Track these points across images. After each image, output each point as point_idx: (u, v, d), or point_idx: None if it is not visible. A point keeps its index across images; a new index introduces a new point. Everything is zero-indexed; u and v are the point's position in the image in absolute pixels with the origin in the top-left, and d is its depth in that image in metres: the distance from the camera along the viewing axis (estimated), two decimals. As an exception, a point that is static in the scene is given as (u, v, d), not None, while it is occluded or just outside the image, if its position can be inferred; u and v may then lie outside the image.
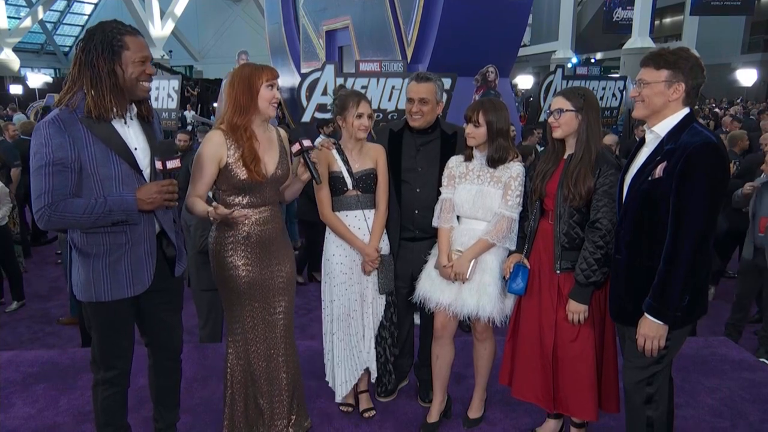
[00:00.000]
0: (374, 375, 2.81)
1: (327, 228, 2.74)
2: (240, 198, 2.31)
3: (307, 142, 2.30)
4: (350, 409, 2.87)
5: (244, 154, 2.23)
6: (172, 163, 2.05)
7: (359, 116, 2.59)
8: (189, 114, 14.97)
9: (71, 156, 1.93)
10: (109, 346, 2.18)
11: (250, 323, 2.39)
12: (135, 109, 2.12)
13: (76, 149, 1.93)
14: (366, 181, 2.66)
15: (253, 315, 2.39)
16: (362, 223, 2.68)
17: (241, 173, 2.25)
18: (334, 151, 2.65)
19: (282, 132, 2.48)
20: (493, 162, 2.52)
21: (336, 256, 2.71)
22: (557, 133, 2.35)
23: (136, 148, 2.09)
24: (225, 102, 2.31)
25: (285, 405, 2.49)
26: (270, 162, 2.33)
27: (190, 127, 14.40)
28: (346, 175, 2.64)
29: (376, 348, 2.77)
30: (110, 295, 2.08)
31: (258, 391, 2.44)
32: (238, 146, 2.25)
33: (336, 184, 2.65)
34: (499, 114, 2.48)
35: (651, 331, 1.99)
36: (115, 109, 2.00)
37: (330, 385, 2.83)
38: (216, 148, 2.24)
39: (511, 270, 2.44)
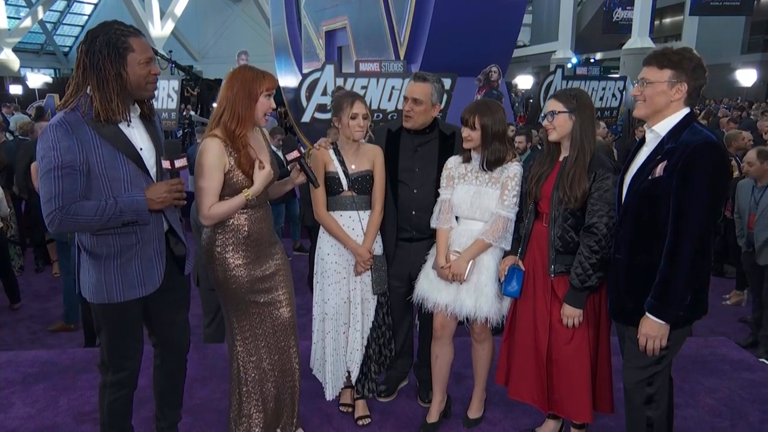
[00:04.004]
0: (354, 376, 2.77)
1: (321, 228, 2.74)
2: None
3: (303, 149, 2.37)
4: (350, 409, 2.87)
5: (241, 162, 2.23)
6: (180, 162, 2.08)
7: (353, 117, 2.59)
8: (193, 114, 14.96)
9: (80, 158, 1.92)
10: (119, 347, 2.18)
11: (258, 319, 2.40)
12: (138, 110, 2.13)
13: (84, 152, 1.93)
14: (362, 183, 2.66)
15: (260, 311, 2.39)
16: (356, 224, 2.68)
17: (242, 178, 2.25)
18: (331, 152, 2.66)
19: (265, 132, 2.49)
20: (489, 165, 2.51)
21: (330, 255, 2.71)
22: (552, 136, 2.34)
23: (141, 148, 2.09)
24: (219, 103, 2.28)
25: (299, 397, 2.52)
26: (264, 164, 2.34)
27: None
28: (341, 175, 2.64)
29: (365, 349, 2.75)
30: (122, 296, 2.08)
31: (274, 386, 2.44)
32: (234, 145, 2.24)
33: (331, 184, 2.65)
34: (495, 117, 2.47)
35: (653, 330, 1.99)
36: (122, 112, 2.00)
37: (322, 383, 2.80)
38: (218, 157, 2.22)
39: (506, 273, 2.44)
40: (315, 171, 2.59)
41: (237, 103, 2.21)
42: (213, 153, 2.22)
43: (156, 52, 15.09)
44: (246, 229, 2.32)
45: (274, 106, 2.29)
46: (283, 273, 2.45)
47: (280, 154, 4.37)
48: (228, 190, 2.27)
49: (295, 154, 2.37)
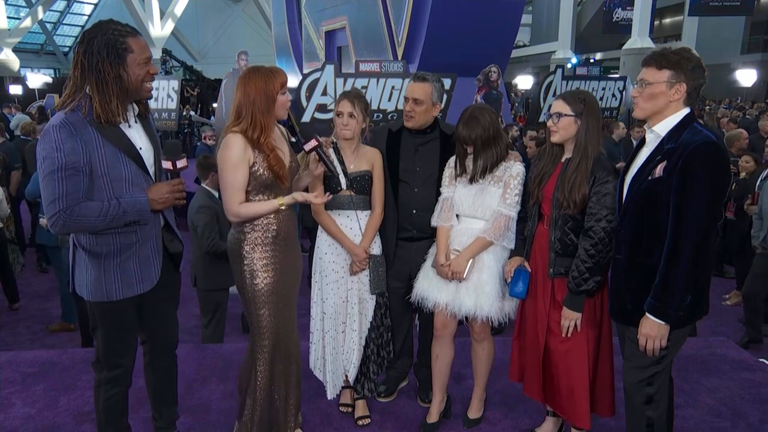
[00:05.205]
0: (351, 377, 2.77)
1: (319, 227, 2.74)
2: (264, 196, 2.30)
3: (321, 139, 2.36)
4: (350, 409, 2.86)
5: (270, 163, 2.22)
6: (181, 163, 2.10)
7: (338, 115, 2.60)
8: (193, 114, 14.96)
9: (83, 159, 1.92)
10: (115, 344, 2.18)
11: (274, 323, 2.36)
12: (137, 109, 2.13)
13: (87, 152, 1.93)
14: (360, 183, 2.66)
15: (277, 315, 2.36)
16: (354, 223, 2.68)
17: (266, 170, 2.24)
18: (331, 150, 2.66)
19: (282, 128, 2.49)
20: (482, 174, 2.49)
21: (328, 254, 2.71)
22: (555, 138, 2.33)
23: (141, 148, 2.09)
24: (233, 107, 2.25)
25: (298, 399, 2.52)
26: (285, 159, 2.34)
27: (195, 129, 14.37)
28: (340, 174, 2.64)
29: (363, 349, 2.75)
30: (121, 293, 2.09)
31: (276, 390, 2.44)
32: (260, 149, 2.22)
33: (330, 182, 2.65)
34: (483, 127, 2.44)
35: (653, 330, 1.99)
36: (122, 113, 2.00)
37: (323, 381, 2.79)
38: (242, 151, 2.20)
39: (512, 274, 2.43)
40: None
41: (256, 109, 2.19)
42: (237, 147, 2.19)
43: (170, 54, 15.11)
44: (275, 227, 2.32)
45: (290, 97, 2.28)
46: (298, 278, 2.45)
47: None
48: (254, 183, 2.25)
49: (312, 143, 2.33)
